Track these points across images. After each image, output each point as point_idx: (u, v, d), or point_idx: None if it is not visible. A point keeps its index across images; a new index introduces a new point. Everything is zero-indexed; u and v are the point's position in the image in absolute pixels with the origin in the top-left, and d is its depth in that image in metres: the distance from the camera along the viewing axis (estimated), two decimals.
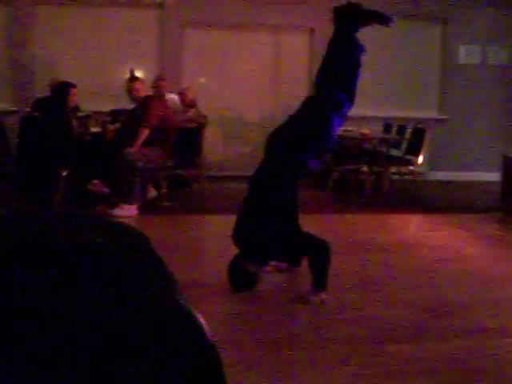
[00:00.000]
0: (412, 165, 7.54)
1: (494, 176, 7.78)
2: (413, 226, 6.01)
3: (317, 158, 3.79)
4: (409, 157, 7.65)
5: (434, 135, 8.90)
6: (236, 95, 8.88)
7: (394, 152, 7.85)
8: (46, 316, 0.59)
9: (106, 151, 6.36)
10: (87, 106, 7.45)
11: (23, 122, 6.95)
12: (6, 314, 0.58)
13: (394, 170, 7.50)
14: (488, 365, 2.91)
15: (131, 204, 5.93)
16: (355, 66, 3.73)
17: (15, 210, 0.71)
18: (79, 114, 6.84)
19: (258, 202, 3.74)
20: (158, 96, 6.75)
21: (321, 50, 4.30)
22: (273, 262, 4.07)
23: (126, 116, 6.47)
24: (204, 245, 5.13)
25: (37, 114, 6.72)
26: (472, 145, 9.32)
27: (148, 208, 6.16)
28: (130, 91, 6.18)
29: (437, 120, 9.26)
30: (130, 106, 6.54)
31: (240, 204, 3.83)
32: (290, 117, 3.87)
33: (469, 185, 8.67)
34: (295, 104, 4.10)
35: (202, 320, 0.67)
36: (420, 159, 7.48)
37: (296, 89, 8.55)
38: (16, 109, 7.99)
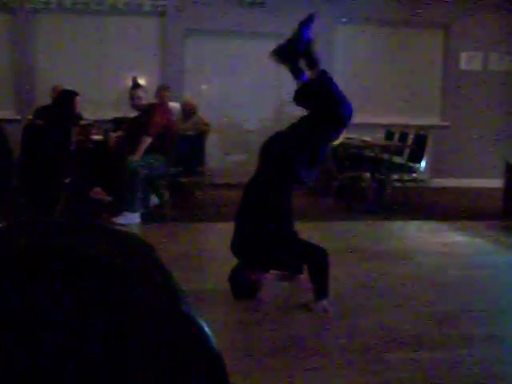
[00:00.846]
0: (414, 172, 7.53)
1: (497, 182, 7.77)
2: (415, 234, 6.00)
3: (310, 169, 3.80)
4: (411, 164, 7.63)
5: (437, 142, 8.90)
6: (237, 103, 8.89)
7: (397, 159, 7.83)
8: (50, 323, 0.59)
9: (109, 159, 6.36)
10: (89, 113, 7.46)
11: (26, 131, 6.95)
12: (13, 317, 0.58)
13: (396, 177, 7.48)
14: (493, 373, 2.89)
15: (134, 212, 5.94)
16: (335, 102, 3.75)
17: (21, 220, 0.71)
18: (82, 122, 6.84)
19: (253, 210, 3.74)
20: (162, 104, 6.76)
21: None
22: (273, 271, 4.07)
23: (129, 124, 6.47)
24: (206, 253, 5.13)
25: (40, 121, 6.70)
26: (474, 151, 9.32)
27: (150, 216, 6.16)
28: (133, 99, 6.19)
29: (439, 127, 9.25)
30: (132, 114, 6.55)
31: (237, 213, 3.84)
32: (286, 128, 3.92)
33: (471, 191, 8.65)
34: (297, 112, 4.11)
35: (207, 329, 0.67)
36: (422, 166, 7.47)
37: None
38: (19, 117, 8.01)
